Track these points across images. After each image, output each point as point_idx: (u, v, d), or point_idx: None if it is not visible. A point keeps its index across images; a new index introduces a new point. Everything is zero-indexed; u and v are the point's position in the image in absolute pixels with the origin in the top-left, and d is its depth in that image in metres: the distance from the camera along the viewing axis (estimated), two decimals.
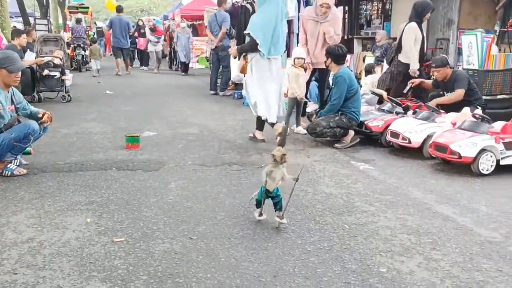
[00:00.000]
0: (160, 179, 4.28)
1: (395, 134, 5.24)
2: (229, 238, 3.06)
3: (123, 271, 2.62)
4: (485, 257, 2.83)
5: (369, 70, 7.91)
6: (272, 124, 5.50)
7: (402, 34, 6.55)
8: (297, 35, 8.80)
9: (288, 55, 9.46)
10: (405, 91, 6.47)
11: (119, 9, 15.31)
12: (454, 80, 5.70)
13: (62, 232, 3.11)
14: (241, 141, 5.83)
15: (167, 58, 18.52)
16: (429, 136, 4.98)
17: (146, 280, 2.52)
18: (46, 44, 9.90)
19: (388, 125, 5.47)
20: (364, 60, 9.60)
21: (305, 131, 6.06)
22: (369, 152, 5.38)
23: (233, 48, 6.04)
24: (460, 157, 4.44)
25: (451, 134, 4.71)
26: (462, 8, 7.91)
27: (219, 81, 10.86)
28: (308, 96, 6.92)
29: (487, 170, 4.48)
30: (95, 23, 22.08)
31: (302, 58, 6.19)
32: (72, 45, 15.45)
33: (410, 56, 6.42)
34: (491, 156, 4.48)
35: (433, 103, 5.73)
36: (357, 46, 11.15)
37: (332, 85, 5.89)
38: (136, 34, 16.46)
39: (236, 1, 12.24)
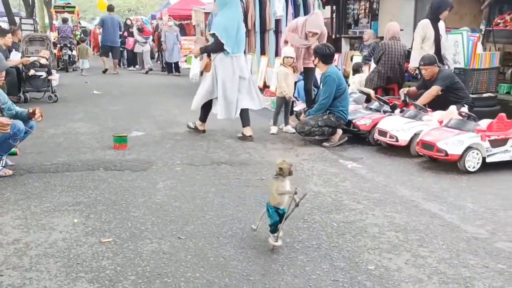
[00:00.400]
0: (148, 179, 4.26)
1: (382, 133, 5.28)
2: (217, 237, 3.06)
3: (111, 271, 2.60)
4: (471, 253, 2.86)
5: (356, 69, 7.94)
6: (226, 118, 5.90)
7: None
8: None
9: (277, 55, 9.47)
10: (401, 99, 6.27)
11: (110, 8, 15.19)
12: (436, 78, 5.71)
13: (48, 233, 3.08)
14: (229, 140, 5.82)
15: (156, 59, 18.30)
16: (416, 134, 5.01)
17: (134, 280, 2.51)
18: (32, 44, 9.80)
19: (376, 124, 5.50)
20: (352, 59, 9.63)
21: (293, 130, 6.07)
22: (357, 151, 5.40)
23: (195, 48, 6.38)
24: (446, 154, 4.48)
25: (438, 132, 4.75)
26: None
27: None
28: (296, 95, 6.93)
29: (473, 167, 4.53)
30: (79, 23, 21.81)
31: (291, 57, 6.20)
32: (58, 45, 15.29)
33: (412, 53, 6.36)
34: (477, 154, 4.53)
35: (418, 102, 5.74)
36: (345, 45, 11.19)
37: (320, 84, 5.90)
38: (125, 33, 16.32)
39: None
